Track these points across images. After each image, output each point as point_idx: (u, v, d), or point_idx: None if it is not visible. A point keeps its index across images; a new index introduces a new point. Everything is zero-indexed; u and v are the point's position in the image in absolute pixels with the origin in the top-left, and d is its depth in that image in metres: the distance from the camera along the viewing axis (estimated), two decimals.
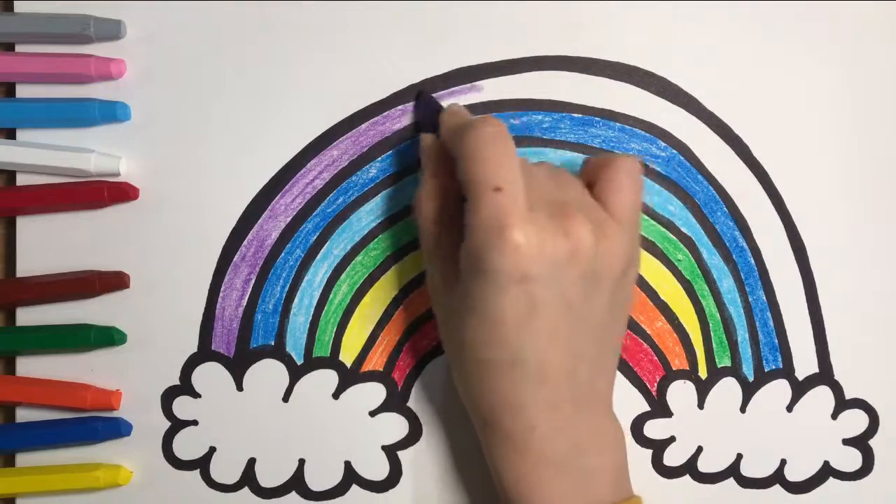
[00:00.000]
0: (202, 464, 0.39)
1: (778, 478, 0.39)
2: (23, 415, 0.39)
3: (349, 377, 0.39)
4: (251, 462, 0.39)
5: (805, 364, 0.39)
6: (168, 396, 0.38)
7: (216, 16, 0.38)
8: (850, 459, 0.39)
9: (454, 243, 0.33)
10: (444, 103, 0.38)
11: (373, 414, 0.39)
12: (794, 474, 0.39)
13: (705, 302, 0.39)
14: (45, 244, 0.38)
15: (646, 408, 0.39)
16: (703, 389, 0.39)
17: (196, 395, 0.38)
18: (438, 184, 0.35)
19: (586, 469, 0.33)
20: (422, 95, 0.38)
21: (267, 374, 0.38)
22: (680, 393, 0.39)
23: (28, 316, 0.38)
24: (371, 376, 0.39)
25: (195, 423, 0.39)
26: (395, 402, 0.39)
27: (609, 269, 0.32)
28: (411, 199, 0.38)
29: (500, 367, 0.32)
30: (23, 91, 0.38)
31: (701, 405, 0.39)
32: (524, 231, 0.30)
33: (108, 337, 0.38)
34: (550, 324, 0.32)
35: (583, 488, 0.33)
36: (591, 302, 0.33)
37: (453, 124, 0.35)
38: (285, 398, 0.39)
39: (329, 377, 0.39)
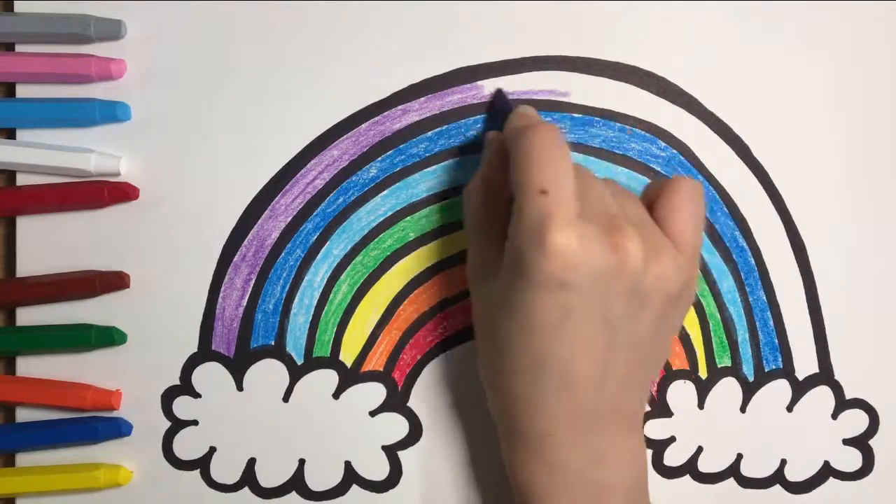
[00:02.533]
0: (202, 464, 0.39)
1: (778, 478, 0.39)
2: (23, 415, 0.39)
3: (349, 377, 0.39)
4: (251, 462, 0.39)
5: (805, 364, 0.39)
6: (168, 396, 0.38)
7: (216, 16, 0.38)
8: (850, 459, 0.39)
9: (499, 237, 0.33)
10: (442, 100, 0.38)
11: (373, 414, 0.39)
12: (794, 474, 0.39)
13: (705, 302, 0.39)
14: (45, 244, 0.38)
15: (646, 408, 0.39)
16: (703, 389, 0.39)
17: (196, 395, 0.39)
18: (493, 178, 0.35)
19: (601, 482, 0.33)
20: (499, 93, 0.38)
21: (267, 374, 0.38)
22: (680, 393, 0.39)
23: (28, 316, 0.38)
24: (371, 376, 0.39)
25: (195, 423, 0.39)
26: (395, 402, 0.39)
27: (659, 290, 0.32)
28: (411, 199, 0.38)
29: (525, 367, 0.32)
30: (23, 91, 0.38)
31: (701, 405, 0.39)
32: (566, 236, 0.30)
33: (108, 337, 0.38)
34: (583, 334, 0.31)
35: (595, 500, 0.33)
36: (634, 320, 0.32)
37: (516, 125, 0.34)
38: (285, 398, 0.39)
39: (329, 377, 0.39)
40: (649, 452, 0.39)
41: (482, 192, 0.35)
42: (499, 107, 0.38)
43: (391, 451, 0.39)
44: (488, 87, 0.38)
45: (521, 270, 0.31)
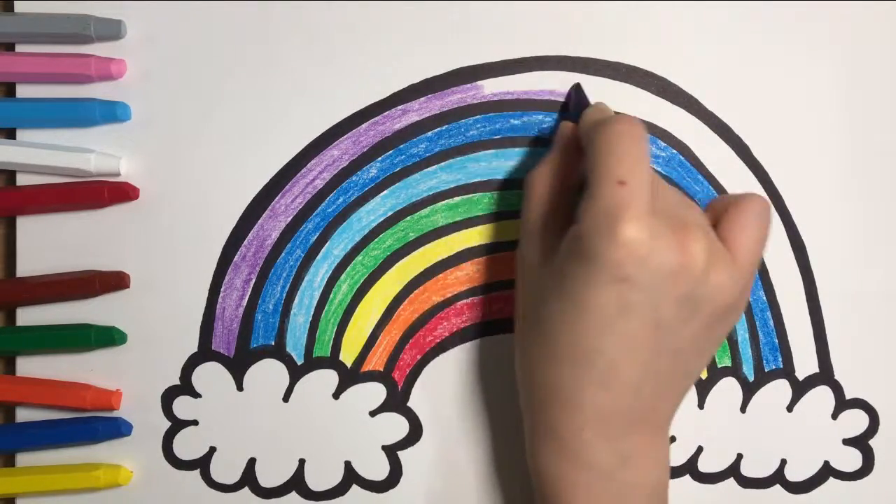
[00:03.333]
0: (202, 464, 0.39)
1: (778, 478, 0.39)
2: (23, 415, 0.39)
3: (349, 377, 0.39)
4: (251, 462, 0.39)
5: (805, 364, 0.39)
6: (168, 396, 0.38)
7: (216, 16, 0.38)
8: (850, 459, 0.39)
9: (558, 225, 0.34)
10: (443, 100, 0.38)
11: (373, 414, 0.39)
12: (794, 474, 0.39)
13: None
14: (45, 244, 0.38)
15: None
16: (703, 389, 0.39)
17: (196, 395, 0.39)
18: (560, 167, 0.35)
19: (626, 483, 0.33)
20: (577, 88, 0.38)
21: (267, 374, 0.38)
22: None
23: (28, 316, 0.38)
24: (371, 376, 0.39)
25: (195, 423, 0.39)
26: (395, 402, 0.39)
27: (712, 301, 0.32)
28: (411, 199, 0.38)
29: (569, 359, 0.32)
30: (23, 91, 0.38)
31: (701, 405, 0.39)
32: (638, 229, 0.30)
33: (108, 337, 0.38)
34: (633, 333, 0.31)
35: (619, 501, 0.33)
36: (683, 327, 0.32)
37: (594, 118, 0.35)
38: (285, 398, 0.39)
39: (329, 377, 0.39)
40: None
41: (548, 179, 0.35)
42: (575, 101, 0.38)
43: (391, 451, 0.39)
44: (488, 87, 0.38)
45: (585, 258, 0.31)
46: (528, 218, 0.35)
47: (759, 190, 0.39)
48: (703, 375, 0.39)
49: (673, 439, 0.39)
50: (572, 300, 0.31)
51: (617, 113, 0.36)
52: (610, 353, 0.31)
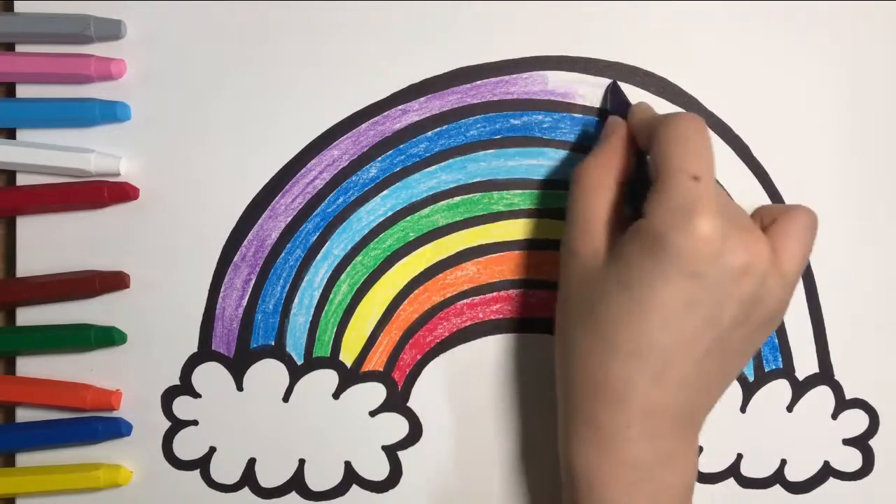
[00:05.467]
0: (202, 464, 0.39)
1: (778, 478, 0.39)
2: (23, 415, 0.39)
3: (349, 377, 0.39)
4: (251, 462, 0.39)
5: (805, 364, 0.39)
6: (168, 396, 0.38)
7: (216, 16, 0.38)
8: (850, 459, 0.39)
9: (615, 219, 0.34)
10: (442, 100, 0.38)
11: (373, 414, 0.39)
12: (794, 474, 0.39)
13: None
14: (45, 244, 0.38)
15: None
16: None
17: (196, 395, 0.39)
18: (612, 162, 0.35)
19: (663, 483, 0.33)
20: (614, 85, 0.38)
21: (267, 374, 0.38)
22: None
23: (28, 316, 0.38)
24: (371, 376, 0.39)
25: (195, 423, 0.39)
26: (395, 402, 0.39)
27: (766, 305, 0.32)
28: (411, 199, 0.38)
29: (625, 353, 0.32)
30: (23, 91, 0.38)
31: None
32: (713, 225, 0.30)
33: (108, 337, 0.38)
34: (693, 331, 0.31)
35: (654, 500, 0.33)
36: (736, 328, 0.32)
37: (649, 114, 0.35)
38: (285, 398, 0.39)
39: (329, 377, 0.39)
40: None
41: (600, 173, 0.35)
42: (615, 99, 0.38)
43: (391, 451, 0.39)
44: (488, 86, 0.38)
45: (656, 252, 0.31)
46: (580, 212, 0.34)
47: (759, 190, 0.39)
48: None
49: None
50: (638, 294, 0.31)
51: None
52: (667, 349, 0.31)
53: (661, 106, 0.38)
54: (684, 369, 0.32)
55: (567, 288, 0.35)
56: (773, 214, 0.34)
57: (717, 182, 0.38)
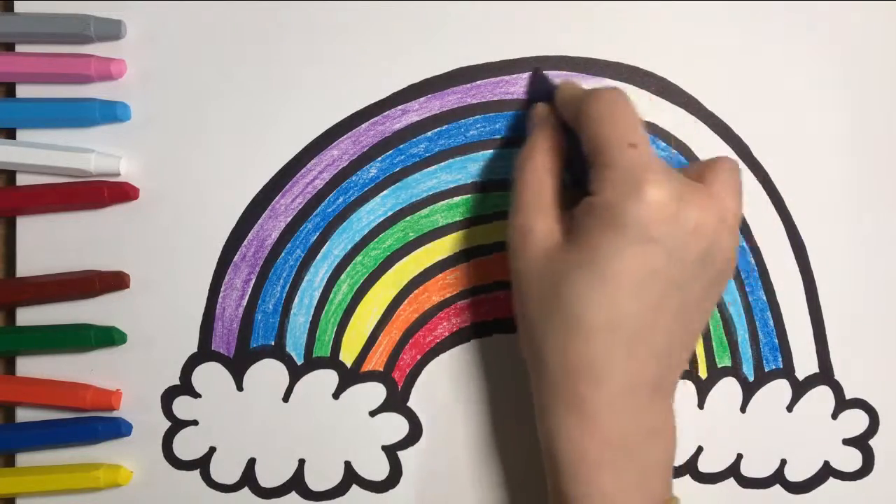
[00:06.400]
0: (202, 464, 0.39)
1: (778, 478, 0.39)
2: (23, 415, 0.39)
3: (349, 377, 0.39)
4: (251, 462, 0.39)
5: (805, 364, 0.39)
6: (168, 396, 0.38)
7: (216, 16, 0.38)
8: (850, 459, 0.39)
9: (553, 203, 0.34)
10: (442, 100, 0.38)
11: (373, 414, 0.39)
12: (794, 474, 0.39)
13: None
14: (45, 244, 0.38)
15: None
16: (703, 389, 0.39)
17: (196, 395, 0.39)
18: (544, 146, 0.35)
19: (649, 460, 0.33)
20: (537, 72, 0.38)
21: (267, 374, 0.38)
22: (680, 393, 0.39)
23: (28, 316, 0.38)
24: (371, 376, 0.39)
25: (195, 423, 0.39)
26: (395, 402, 0.39)
27: (717, 258, 0.32)
28: (411, 199, 0.38)
29: (597, 329, 0.32)
30: (23, 91, 0.38)
31: (701, 405, 0.39)
32: (661, 187, 0.31)
33: (108, 337, 0.38)
34: (659, 296, 0.32)
35: (641, 479, 0.32)
36: (695, 285, 0.32)
37: (572, 94, 0.35)
38: (285, 398, 0.39)
39: (329, 377, 0.39)
40: None
41: (540, 158, 0.35)
42: (539, 85, 0.38)
43: (391, 451, 0.39)
44: (488, 86, 0.38)
45: (611, 224, 0.31)
46: (532, 192, 0.34)
47: (759, 190, 0.39)
48: (704, 375, 0.39)
49: None
50: (601, 269, 0.31)
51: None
52: (637, 320, 0.31)
53: (662, 105, 0.38)
54: (657, 337, 0.32)
55: (524, 272, 0.34)
56: (698, 171, 0.34)
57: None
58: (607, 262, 0.31)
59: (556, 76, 0.38)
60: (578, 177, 0.34)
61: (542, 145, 0.35)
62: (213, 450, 0.39)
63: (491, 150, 0.38)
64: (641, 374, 0.32)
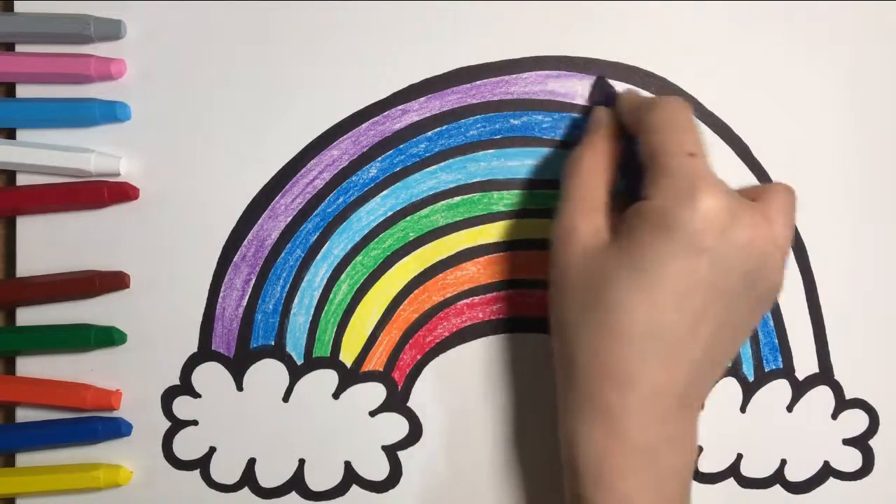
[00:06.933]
0: (202, 464, 0.39)
1: (778, 478, 0.39)
2: (23, 415, 0.39)
3: (349, 377, 0.39)
4: (251, 462, 0.39)
5: (805, 364, 0.39)
6: (168, 396, 0.38)
7: (216, 16, 0.38)
8: (850, 459, 0.39)
9: (603, 204, 0.34)
10: (442, 100, 0.38)
11: (373, 414, 0.39)
12: (794, 474, 0.39)
13: None
14: (45, 244, 0.38)
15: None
16: None
17: (196, 395, 0.39)
18: (604, 148, 0.35)
19: (668, 467, 0.32)
20: (600, 78, 0.38)
21: (267, 374, 0.38)
22: None
23: (28, 316, 0.38)
24: (371, 376, 0.39)
25: (195, 423, 0.39)
26: (395, 402, 0.39)
27: (766, 278, 0.32)
28: (411, 199, 0.38)
29: (636, 335, 0.31)
30: (23, 91, 0.38)
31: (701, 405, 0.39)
32: (718, 198, 0.31)
33: (108, 337, 0.38)
34: (703, 309, 0.31)
35: (662, 485, 0.32)
36: (739, 303, 0.32)
37: (634, 101, 0.36)
38: (285, 398, 0.39)
39: (329, 377, 0.39)
40: None
41: (594, 159, 0.35)
42: (602, 91, 0.38)
43: (391, 451, 0.39)
44: (488, 86, 0.38)
45: (661, 229, 0.31)
46: (580, 191, 0.35)
47: None
48: None
49: None
50: (644, 273, 0.31)
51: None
52: (677, 328, 0.31)
53: None
54: (693, 349, 0.32)
55: (564, 271, 0.34)
56: (755, 192, 0.34)
57: None
58: (653, 267, 0.31)
59: (617, 85, 0.38)
60: (632, 184, 0.34)
61: (597, 146, 0.35)
62: (213, 450, 0.39)
63: (491, 150, 0.38)
64: (672, 383, 0.32)
